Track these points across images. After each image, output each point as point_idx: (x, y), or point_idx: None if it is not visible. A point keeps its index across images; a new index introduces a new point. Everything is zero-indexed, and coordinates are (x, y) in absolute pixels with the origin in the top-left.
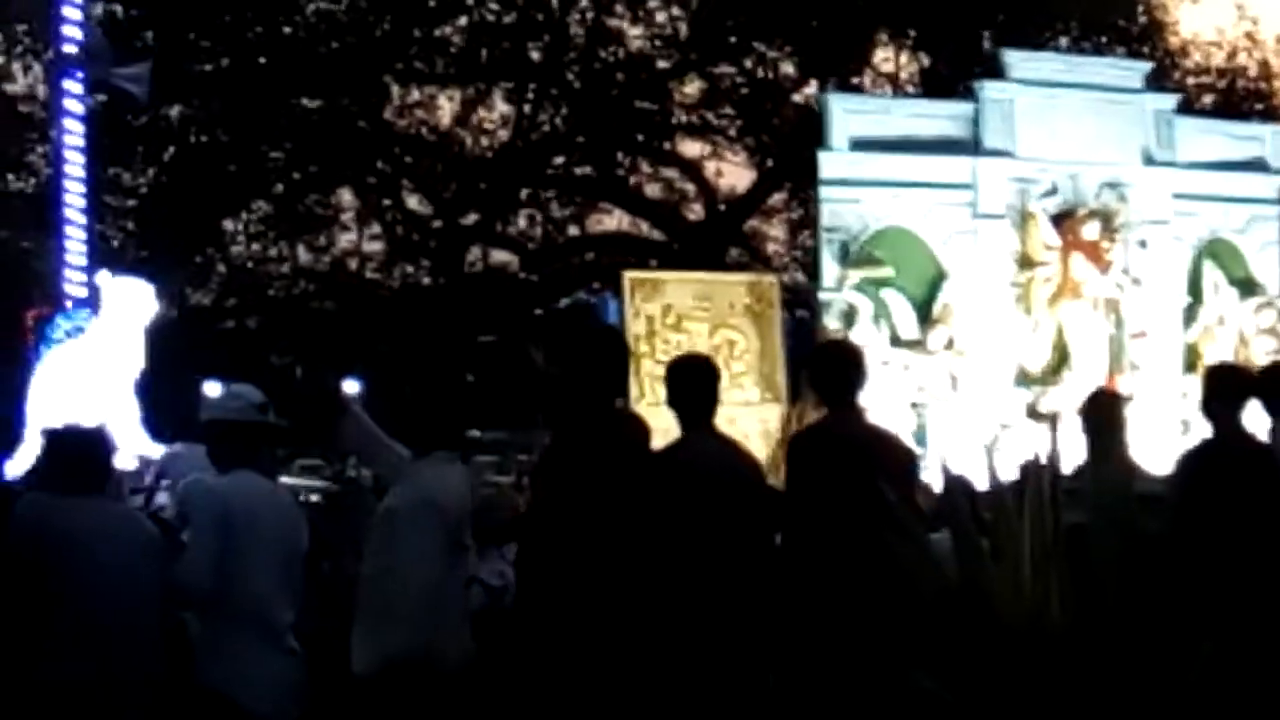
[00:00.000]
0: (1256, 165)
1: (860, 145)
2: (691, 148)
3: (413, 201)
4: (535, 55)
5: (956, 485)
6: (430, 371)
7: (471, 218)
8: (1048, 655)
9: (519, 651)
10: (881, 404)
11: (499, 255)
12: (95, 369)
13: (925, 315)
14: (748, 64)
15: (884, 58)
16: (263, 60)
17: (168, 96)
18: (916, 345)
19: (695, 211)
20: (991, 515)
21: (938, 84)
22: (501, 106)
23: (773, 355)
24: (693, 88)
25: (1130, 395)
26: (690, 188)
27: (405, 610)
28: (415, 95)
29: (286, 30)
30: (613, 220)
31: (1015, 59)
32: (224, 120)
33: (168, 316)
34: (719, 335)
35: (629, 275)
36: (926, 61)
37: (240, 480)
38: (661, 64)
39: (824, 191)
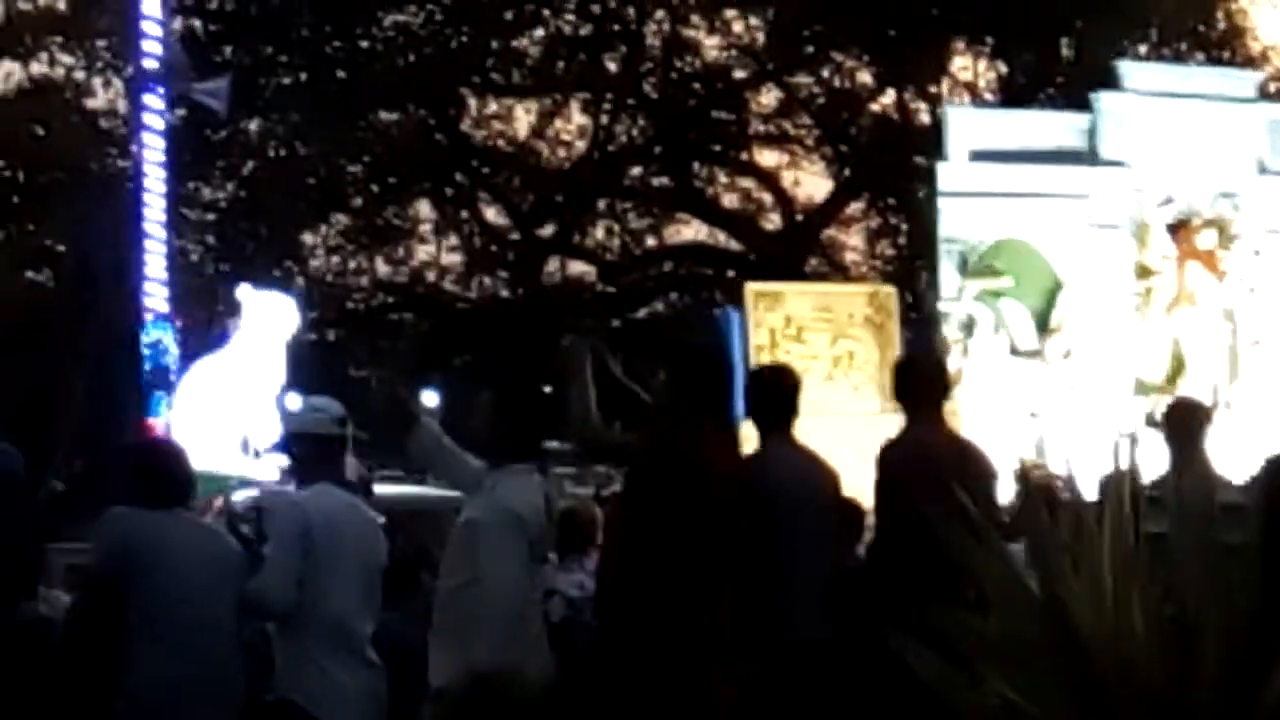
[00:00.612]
0: None
1: (978, 157)
2: (769, 157)
3: (490, 213)
4: (612, 66)
5: (1036, 495)
6: (508, 383)
7: (549, 229)
8: (1129, 667)
9: (601, 664)
10: (1000, 413)
11: (577, 266)
12: (236, 382)
13: (1043, 325)
14: (825, 73)
15: (962, 66)
16: (340, 74)
17: (247, 111)
18: (1035, 355)
19: (773, 221)
20: (1071, 526)
21: (1015, 92)
22: (579, 118)
23: (891, 365)
24: (769, 97)
25: (1213, 405)
26: (767, 197)
27: (490, 623)
28: (492, 107)
29: (364, 44)
30: (690, 231)
31: (1130, 70)
32: (302, 134)
33: (308, 331)
34: (839, 345)
35: (751, 287)
36: (1004, 69)
37: (320, 494)
38: (738, 74)
39: (942, 203)
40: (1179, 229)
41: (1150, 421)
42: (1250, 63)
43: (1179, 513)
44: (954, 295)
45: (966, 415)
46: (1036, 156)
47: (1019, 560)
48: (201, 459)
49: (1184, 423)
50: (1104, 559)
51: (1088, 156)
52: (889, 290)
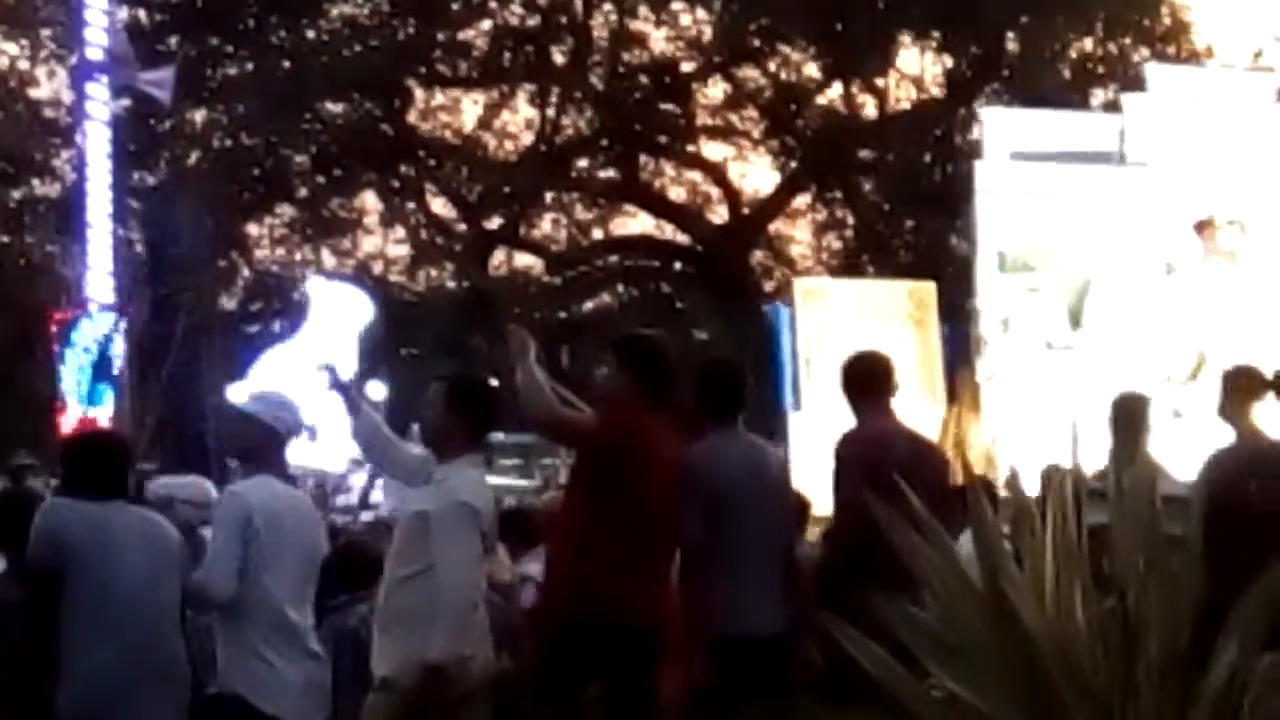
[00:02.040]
0: None
1: (1015, 157)
2: (715, 150)
3: (437, 205)
4: (559, 58)
5: (978, 487)
6: (458, 375)
7: (496, 221)
8: (1071, 659)
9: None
10: (1035, 407)
11: (523, 258)
12: (304, 372)
13: (1076, 321)
14: (771, 66)
15: (908, 60)
16: (286, 64)
17: (192, 101)
18: (1068, 350)
19: (719, 214)
20: (1013, 517)
21: (961, 85)
22: (525, 110)
23: (931, 360)
24: (716, 90)
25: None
26: (714, 190)
27: (444, 614)
28: (439, 99)
29: (310, 34)
30: (637, 223)
31: (1156, 73)
32: (247, 124)
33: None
34: (883, 340)
35: (799, 283)
36: (950, 63)
37: (261, 484)
38: (685, 67)
39: (979, 201)
40: (1204, 228)
41: (1176, 415)
42: (1195, 57)
43: (1120, 505)
44: (990, 293)
45: (1002, 409)
46: (1069, 157)
47: (964, 552)
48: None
49: (1127, 415)
50: (1046, 551)
51: (1116, 158)
52: (929, 286)
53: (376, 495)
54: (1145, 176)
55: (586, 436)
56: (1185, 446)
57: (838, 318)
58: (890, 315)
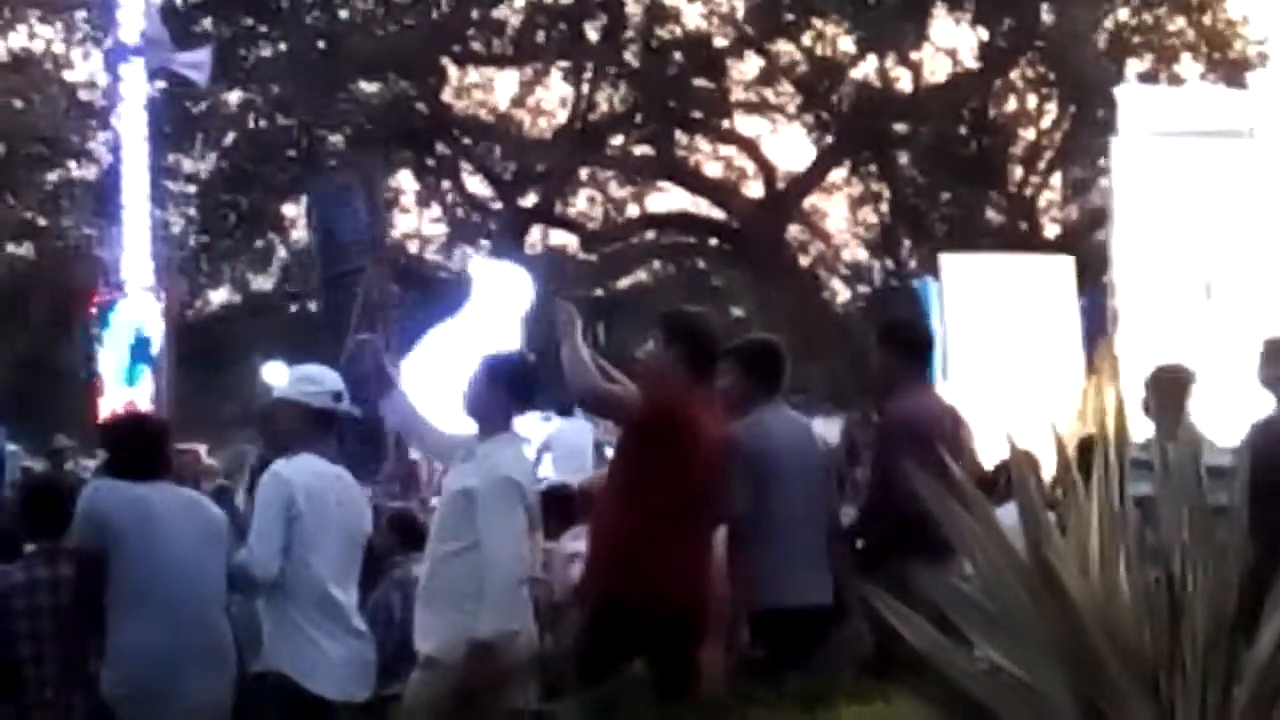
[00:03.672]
0: None
1: (1152, 134)
2: (750, 125)
3: (472, 183)
4: (592, 35)
5: (1022, 458)
6: (495, 353)
7: (531, 198)
8: (1116, 631)
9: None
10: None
11: (559, 236)
12: (469, 351)
13: (1208, 292)
14: (805, 40)
15: (942, 32)
16: (321, 44)
17: (227, 82)
18: (1202, 320)
19: (754, 189)
20: (1058, 488)
21: (995, 57)
22: (559, 87)
23: (1071, 332)
24: (750, 65)
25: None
26: (749, 165)
27: (491, 590)
28: (473, 77)
29: (344, 14)
30: (671, 199)
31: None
32: (283, 105)
33: (547, 297)
34: (1026, 313)
35: (945, 258)
36: (984, 35)
37: (305, 464)
38: (719, 42)
39: (1116, 178)
40: None
41: None
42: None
43: (1166, 476)
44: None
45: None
46: (1204, 134)
47: (1008, 523)
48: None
49: (1170, 387)
50: (1091, 523)
51: (1246, 133)
52: (1067, 260)
53: (545, 469)
54: (1273, 151)
55: (632, 412)
56: None
57: (982, 292)
58: (1031, 289)
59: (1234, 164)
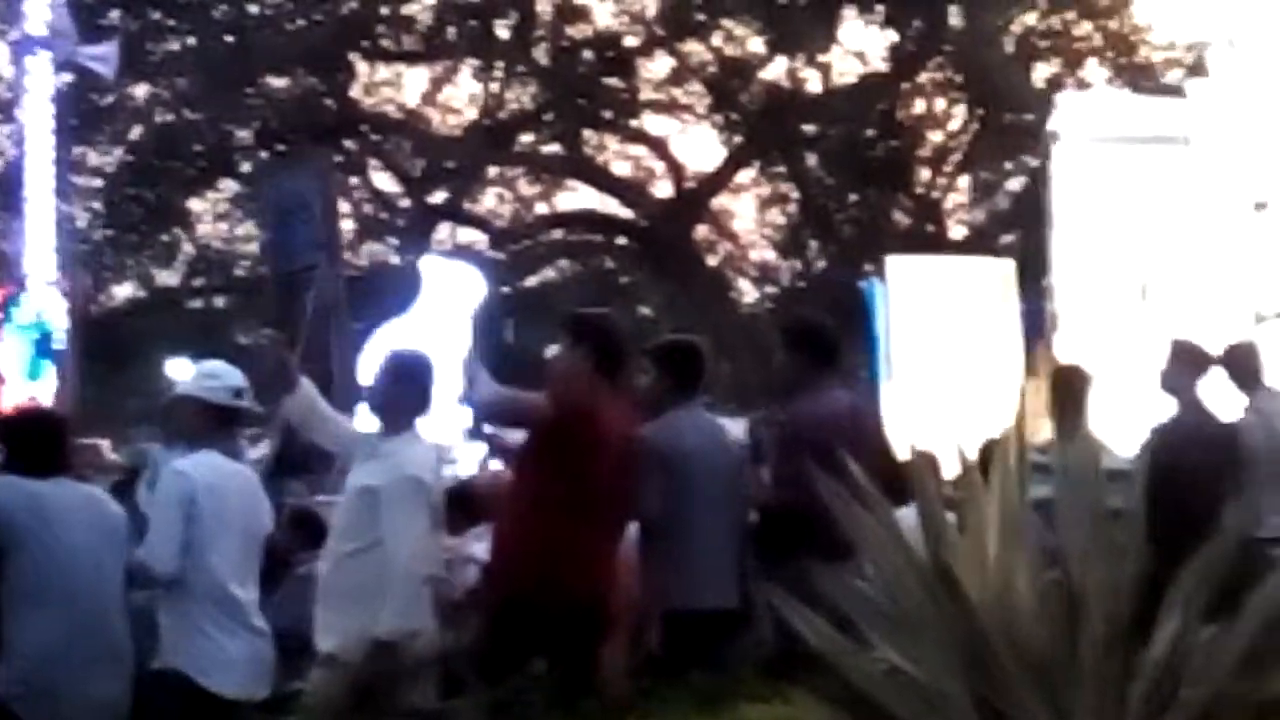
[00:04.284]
0: None
1: (1090, 140)
2: (659, 125)
3: (380, 180)
4: (503, 33)
5: (922, 459)
6: (401, 350)
7: (439, 196)
8: (1013, 632)
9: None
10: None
11: (467, 233)
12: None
13: (1144, 292)
14: (715, 41)
15: (851, 34)
16: (229, 39)
17: (134, 76)
18: (1137, 322)
19: (663, 189)
20: (958, 490)
21: (904, 60)
22: (469, 84)
23: (1011, 334)
24: (660, 65)
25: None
26: (658, 165)
27: (393, 589)
28: (383, 73)
29: (253, 8)
30: (581, 198)
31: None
32: (190, 99)
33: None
34: (969, 315)
35: (891, 261)
36: (894, 37)
37: (206, 461)
38: (629, 41)
39: (1056, 183)
40: (1261, 209)
41: None
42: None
43: (1064, 479)
44: (1065, 270)
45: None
46: (1140, 140)
47: (908, 524)
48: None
49: (1069, 388)
50: (990, 525)
51: (1182, 140)
52: (1009, 264)
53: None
54: (1208, 159)
55: (539, 417)
56: None
57: (926, 294)
58: (973, 291)
59: (1170, 170)
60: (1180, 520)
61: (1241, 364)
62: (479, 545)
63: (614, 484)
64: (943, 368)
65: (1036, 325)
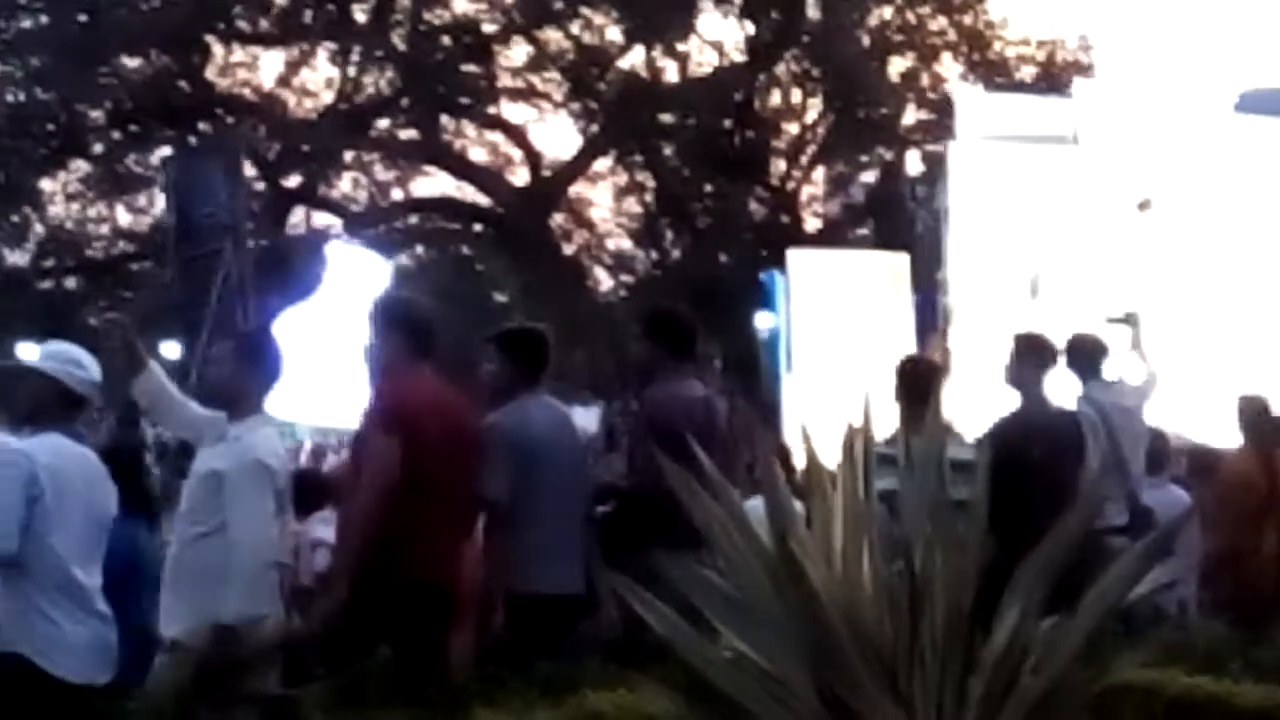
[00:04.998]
0: None
1: (986, 138)
2: (517, 112)
3: None
4: (360, 17)
5: (773, 449)
6: (251, 334)
7: (294, 180)
8: (858, 622)
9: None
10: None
11: (322, 217)
12: (319, 334)
13: (1034, 289)
14: (574, 29)
15: (709, 25)
16: (82, 18)
17: None
18: (1028, 317)
19: (520, 176)
20: (805, 480)
21: (761, 51)
22: (326, 68)
23: (905, 326)
24: (518, 52)
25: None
26: (515, 152)
27: (237, 575)
28: (238, 55)
29: None
30: (437, 184)
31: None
32: (43, 79)
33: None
34: (867, 306)
35: (792, 254)
36: (751, 28)
37: (49, 442)
38: (488, 28)
39: (952, 179)
40: (1144, 206)
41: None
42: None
43: (909, 470)
44: (960, 265)
45: (968, 374)
46: (1032, 139)
47: (757, 515)
48: (281, 409)
49: (915, 380)
50: (836, 516)
51: (1071, 139)
52: (903, 257)
53: None
54: (1095, 158)
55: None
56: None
57: (825, 286)
58: (869, 284)
59: (1059, 168)
60: (1022, 511)
61: (1082, 355)
62: (327, 529)
63: (452, 467)
64: (841, 360)
65: (930, 318)
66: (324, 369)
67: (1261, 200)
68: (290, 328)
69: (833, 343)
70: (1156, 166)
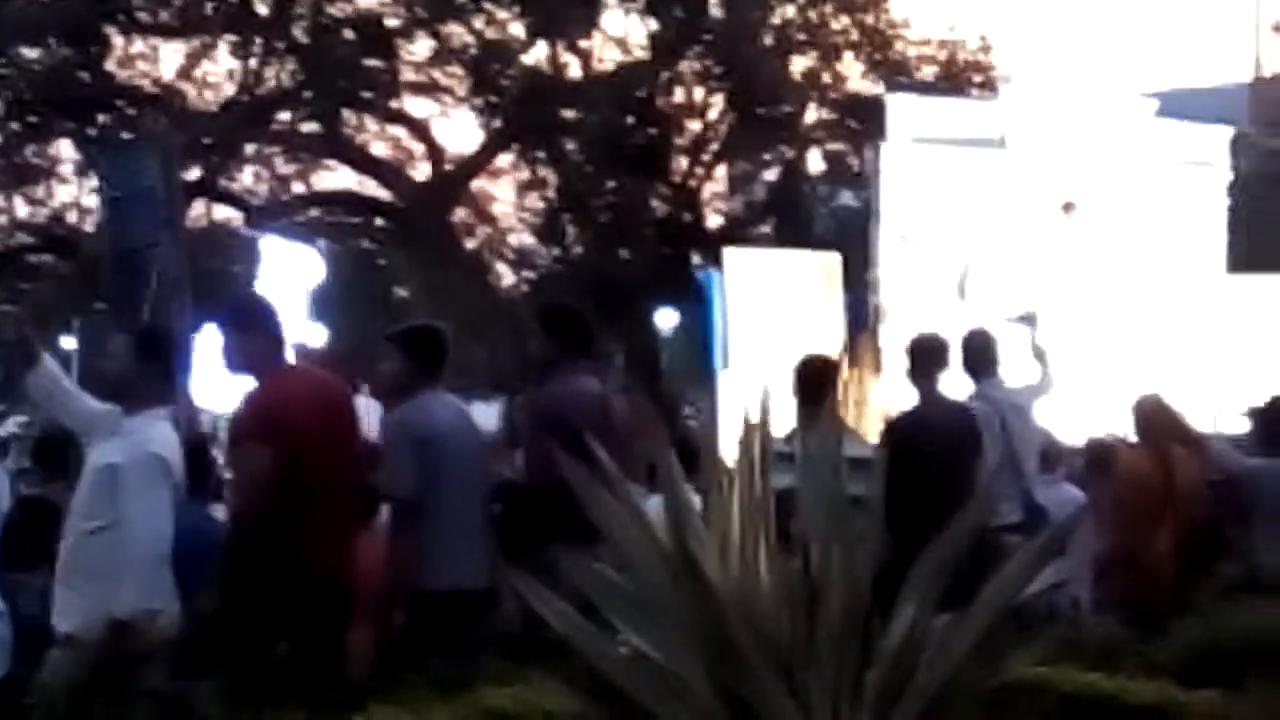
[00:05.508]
0: None
1: (916, 140)
2: (419, 107)
3: None
4: (262, 9)
5: (671, 446)
6: (142, 328)
7: (195, 172)
8: (754, 618)
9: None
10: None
11: (223, 210)
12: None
13: (961, 290)
14: (477, 24)
15: (612, 21)
16: None
17: None
18: (956, 317)
19: (422, 171)
20: (703, 478)
21: (664, 48)
22: (227, 60)
23: (836, 325)
24: (421, 46)
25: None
26: (418, 147)
27: (134, 569)
28: (138, 47)
29: None
30: (338, 178)
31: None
32: None
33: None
34: (801, 305)
35: (728, 252)
36: (654, 25)
37: None
38: (390, 22)
39: (884, 181)
40: (1068, 208)
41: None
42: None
43: (806, 467)
44: (891, 264)
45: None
46: (961, 142)
47: (655, 512)
48: (221, 402)
49: (813, 379)
50: (733, 513)
51: (998, 143)
52: (834, 257)
53: None
54: (1021, 161)
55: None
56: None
57: (760, 285)
58: (803, 283)
59: (986, 171)
60: (919, 508)
61: (975, 353)
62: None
63: (337, 462)
64: (775, 357)
65: (861, 317)
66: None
67: (1176, 203)
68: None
69: (768, 341)
70: (1080, 170)
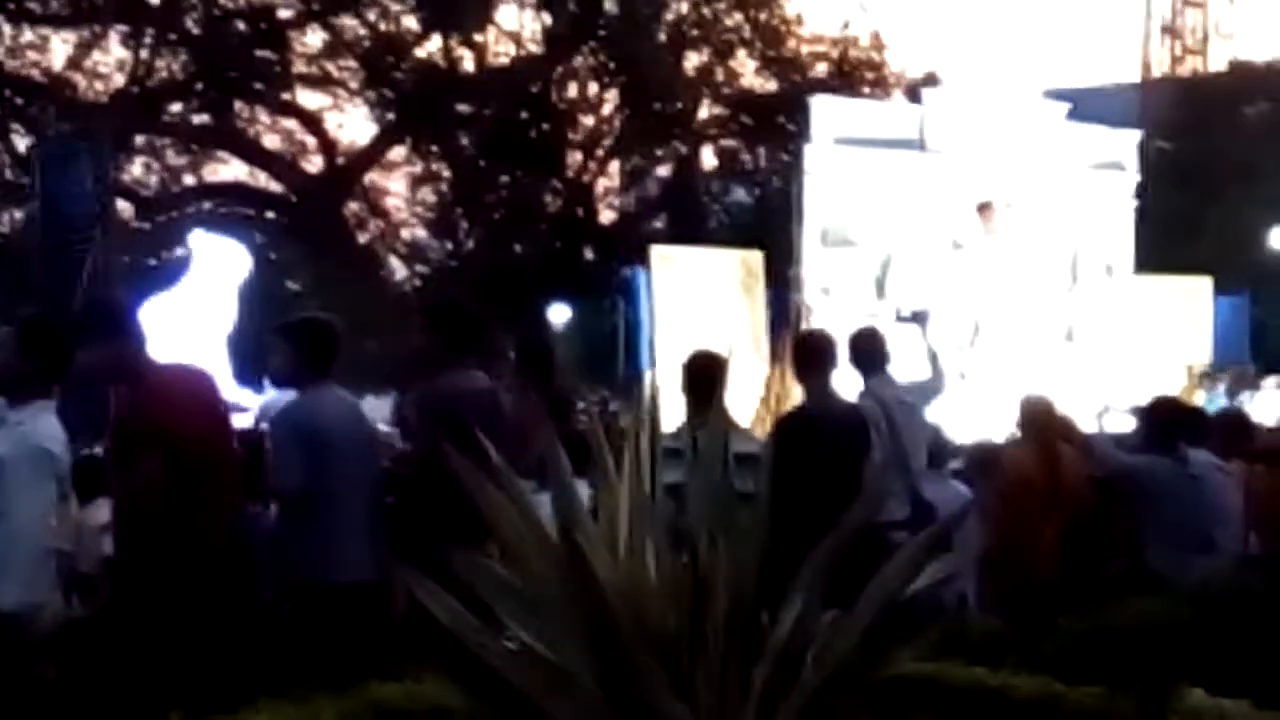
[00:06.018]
0: None
1: (837, 141)
2: (312, 99)
3: (23, 145)
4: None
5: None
6: (31, 318)
7: None
8: (642, 614)
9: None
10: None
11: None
12: (185, 322)
13: (881, 291)
14: (370, 16)
15: (506, 16)
16: None
17: None
18: (875, 316)
19: (314, 164)
20: (593, 474)
21: (558, 43)
22: (118, 50)
23: (759, 322)
24: (315, 38)
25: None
26: (310, 139)
27: (17, 563)
28: (28, 36)
29: None
30: (230, 170)
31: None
32: None
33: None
34: (726, 303)
35: (655, 250)
36: (548, 20)
37: None
38: (283, 13)
39: (806, 181)
40: (984, 209)
41: (961, 377)
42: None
43: (694, 463)
44: (812, 263)
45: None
46: (882, 143)
47: (545, 508)
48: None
49: (702, 375)
50: (621, 508)
51: (918, 144)
52: (757, 255)
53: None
54: (940, 162)
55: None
56: (969, 406)
57: (684, 282)
58: (726, 281)
59: (906, 172)
60: (807, 504)
61: (862, 350)
62: (106, 513)
63: (216, 453)
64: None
65: (783, 314)
66: (185, 355)
67: (1085, 205)
68: (154, 315)
69: (694, 338)
70: (996, 171)
